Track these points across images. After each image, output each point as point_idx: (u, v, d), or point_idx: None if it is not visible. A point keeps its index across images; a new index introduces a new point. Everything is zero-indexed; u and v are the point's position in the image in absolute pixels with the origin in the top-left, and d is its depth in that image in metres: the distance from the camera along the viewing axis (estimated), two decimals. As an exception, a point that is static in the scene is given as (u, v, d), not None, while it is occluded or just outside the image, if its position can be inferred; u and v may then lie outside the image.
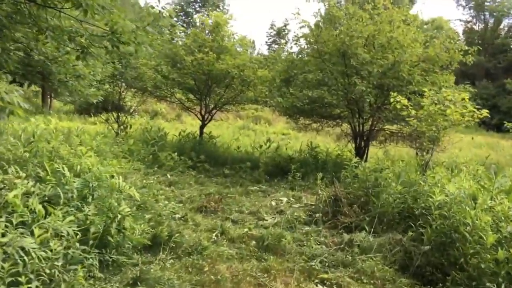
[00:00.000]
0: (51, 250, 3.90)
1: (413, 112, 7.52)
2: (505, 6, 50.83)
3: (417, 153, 15.39)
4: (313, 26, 12.94)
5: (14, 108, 4.33)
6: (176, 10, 59.70)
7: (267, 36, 63.49)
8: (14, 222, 3.86)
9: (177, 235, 5.63)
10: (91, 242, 4.47)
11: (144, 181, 9.60)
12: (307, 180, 11.05)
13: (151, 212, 7.13)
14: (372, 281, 5.06)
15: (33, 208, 4.21)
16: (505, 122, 10.62)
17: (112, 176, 8.01)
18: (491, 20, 53.79)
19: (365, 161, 12.70)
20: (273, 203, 8.58)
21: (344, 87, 11.79)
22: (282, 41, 14.60)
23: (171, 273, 4.86)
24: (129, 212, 5.05)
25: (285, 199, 8.85)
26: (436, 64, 11.90)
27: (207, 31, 14.64)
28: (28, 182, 4.71)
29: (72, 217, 4.27)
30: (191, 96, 15.42)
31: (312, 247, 5.90)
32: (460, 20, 56.16)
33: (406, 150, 18.00)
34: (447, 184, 6.17)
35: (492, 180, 5.92)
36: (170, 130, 18.30)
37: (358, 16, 12.14)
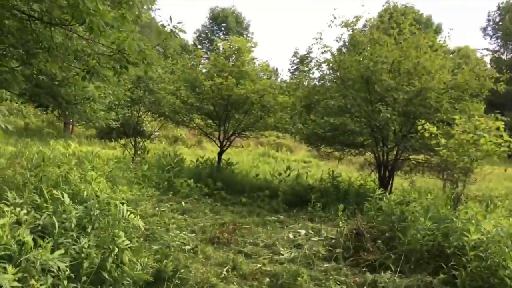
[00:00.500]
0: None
1: (443, 141, 6.97)
2: (534, 35, 49.89)
3: (445, 185, 14.68)
4: (335, 52, 12.58)
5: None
6: (200, 38, 60.63)
7: (290, 64, 63.76)
8: (-3, 255, 3.48)
9: (183, 270, 5.15)
10: (84, 278, 4.04)
11: (157, 208, 9.25)
12: (328, 211, 10.48)
13: (159, 243, 6.70)
14: (398, 331, 4.48)
15: (21, 239, 3.82)
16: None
17: (122, 204, 7.67)
18: (520, 50, 52.83)
19: (390, 192, 12.06)
20: (291, 235, 8.05)
21: (368, 114, 11.29)
22: (306, 68, 14.40)
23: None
24: (129, 245, 4.60)
25: (303, 232, 8.30)
26: (465, 92, 11.33)
27: (227, 56, 14.42)
28: (22, 210, 4.33)
29: (62, 250, 3.84)
30: (209, 121, 15.12)
31: (332, 288, 5.35)
32: (487, 50, 55.12)
33: (433, 181, 17.25)
34: (483, 221, 5.58)
35: (534, 218, 5.31)
36: (189, 156, 18.03)
37: (382, 41, 11.73)
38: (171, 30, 5.40)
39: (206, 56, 15.92)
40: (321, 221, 9.80)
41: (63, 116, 20.78)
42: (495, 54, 54.80)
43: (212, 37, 59.28)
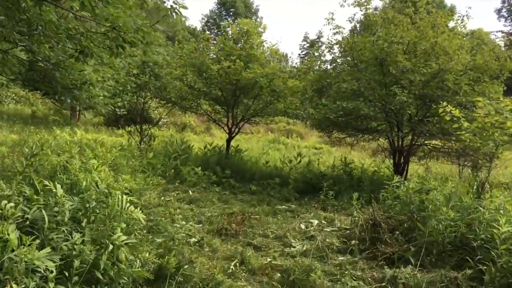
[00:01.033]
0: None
1: (466, 124, 6.47)
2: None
3: (461, 171, 14.15)
4: (348, 33, 12.03)
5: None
6: (209, 23, 59.98)
7: (300, 49, 62.98)
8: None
9: (186, 266, 4.76)
10: (75, 278, 3.67)
11: (162, 198, 8.89)
12: (341, 200, 10.05)
13: (163, 235, 6.35)
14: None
15: (4, 236, 3.46)
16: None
17: (125, 193, 7.30)
18: (536, 31, 51.43)
19: (405, 178, 11.61)
20: (302, 226, 7.63)
21: (382, 98, 10.77)
22: (316, 54, 13.93)
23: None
24: (127, 241, 4.21)
25: (315, 222, 7.88)
26: (485, 73, 10.75)
27: (235, 40, 13.93)
28: (9, 203, 3.96)
29: (48, 249, 3.47)
30: (217, 107, 14.69)
31: (347, 285, 4.93)
32: (502, 32, 53.70)
33: (448, 167, 16.74)
34: (512, 210, 5.11)
35: None
36: (198, 143, 17.67)
37: (397, 21, 11.16)
38: (171, 6, 4.93)
39: (214, 41, 15.39)
40: (334, 210, 9.39)
41: (60, 102, 20.41)
42: (510, 37, 53.41)
43: (220, 23, 58.59)
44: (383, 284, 4.91)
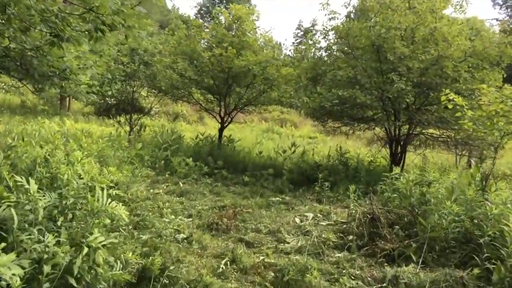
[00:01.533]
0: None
1: (470, 113, 6.13)
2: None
3: (457, 161, 13.87)
4: (343, 18, 11.63)
5: None
6: (202, 12, 59.16)
7: (294, 37, 62.38)
8: None
9: (172, 267, 4.40)
10: (46, 285, 3.31)
11: (151, 190, 8.51)
12: (336, 191, 9.74)
13: (150, 231, 6.00)
14: None
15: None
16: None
17: (110, 187, 6.93)
18: (531, 19, 51.11)
19: (402, 169, 11.32)
20: (297, 219, 7.29)
21: (379, 86, 10.40)
22: (310, 41, 13.57)
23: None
24: (105, 242, 3.84)
25: (311, 215, 7.55)
26: (484, 60, 10.41)
27: (228, 27, 13.47)
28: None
29: (13, 254, 3.10)
30: (209, 96, 14.27)
31: (346, 285, 4.61)
32: (497, 20, 53.26)
33: (445, 156, 16.49)
34: (521, 205, 4.80)
35: None
36: (190, 133, 17.28)
37: (395, 6, 10.77)
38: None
39: (206, 29, 14.91)
40: (329, 202, 9.08)
41: (39, 91, 19.89)
42: (504, 25, 53.01)
43: (214, 10, 57.85)
44: (384, 284, 4.58)
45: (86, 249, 3.50)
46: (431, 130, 12.71)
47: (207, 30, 14.12)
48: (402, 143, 11.56)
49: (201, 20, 52.22)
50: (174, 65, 12.73)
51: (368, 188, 9.74)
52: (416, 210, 5.97)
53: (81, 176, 6.33)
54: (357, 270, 5.06)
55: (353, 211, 7.03)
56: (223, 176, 10.96)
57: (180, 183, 9.61)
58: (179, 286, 4.26)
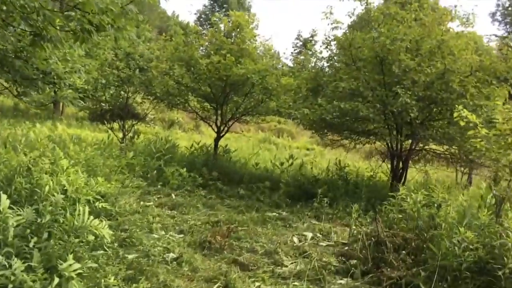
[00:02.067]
0: None
1: (484, 131, 5.73)
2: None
3: (457, 178, 13.51)
4: (346, 28, 11.28)
5: None
6: (201, 19, 59.00)
7: (293, 47, 62.24)
8: None
9: (158, 296, 3.95)
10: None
11: (142, 203, 8.05)
12: (336, 208, 9.31)
13: (137, 249, 5.55)
14: None
15: None
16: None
17: (96, 200, 6.49)
18: (530, 36, 51.11)
19: (403, 184, 10.92)
20: (295, 239, 6.85)
21: (382, 99, 10.03)
22: (310, 51, 13.37)
23: None
24: (82, 269, 3.39)
25: (310, 235, 7.10)
26: (491, 75, 10.06)
27: (226, 34, 13.09)
28: None
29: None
30: (206, 104, 13.85)
31: (351, 320, 4.17)
32: (496, 36, 53.25)
33: (445, 173, 16.15)
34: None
35: None
36: (185, 141, 16.83)
37: (400, 17, 10.42)
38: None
39: (205, 36, 14.53)
40: (328, 219, 8.65)
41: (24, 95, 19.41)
42: (503, 41, 52.96)
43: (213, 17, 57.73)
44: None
45: (57, 280, 3.05)
46: (433, 146, 12.36)
47: (206, 37, 13.75)
48: (404, 158, 11.16)
49: (200, 27, 52.09)
50: (170, 72, 12.32)
51: (368, 205, 9.34)
52: (425, 234, 5.54)
53: (65, 188, 5.89)
54: (362, 301, 4.62)
55: (355, 232, 6.61)
56: (218, 188, 10.51)
57: (173, 195, 9.17)
58: (165, 318, 3.81)
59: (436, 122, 10.44)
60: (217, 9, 59.15)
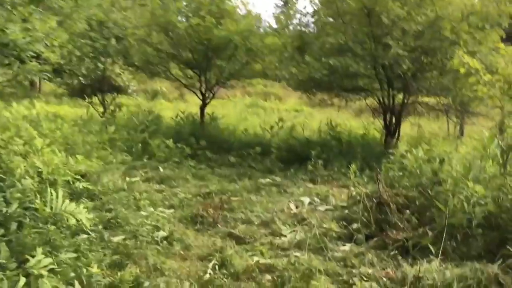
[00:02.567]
0: None
1: (487, 77, 5.32)
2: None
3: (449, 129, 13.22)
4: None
5: None
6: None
7: (274, 7, 60.73)
8: None
9: (146, 284, 3.58)
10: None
11: (127, 179, 7.61)
12: (331, 169, 9.02)
13: (123, 230, 5.14)
14: None
15: None
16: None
17: (77, 179, 6.06)
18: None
19: (397, 140, 10.63)
20: (292, 206, 6.49)
21: (371, 52, 9.57)
22: (291, 10, 12.78)
23: None
24: (51, 265, 2.98)
25: (307, 200, 6.75)
26: (484, 20, 9.60)
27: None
28: None
29: None
30: (189, 71, 13.23)
31: (359, 291, 3.85)
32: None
33: (437, 124, 15.89)
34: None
35: None
36: (170, 111, 16.24)
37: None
38: None
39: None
40: (324, 181, 8.35)
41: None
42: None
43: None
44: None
45: (23, 280, 2.64)
46: (426, 99, 12.03)
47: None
48: (397, 113, 10.79)
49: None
50: (148, 39, 11.68)
51: (364, 163, 9.01)
52: (429, 191, 5.21)
53: (40, 170, 5.43)
54: (369, 268, 4.29)
55: (354, 193, 6.29)
56: (207, 157, 10.11)
57: (160, 168, 8.74)
58: (157, 308, 3.45)
59: (429, 73, 10.04)
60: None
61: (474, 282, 3.77)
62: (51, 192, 3.75)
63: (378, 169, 6.11)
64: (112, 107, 12.50)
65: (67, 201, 3.84)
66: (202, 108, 12.76)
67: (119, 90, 15.46)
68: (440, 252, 4.38)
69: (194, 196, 7.01)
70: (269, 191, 7.55)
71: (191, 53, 11.84)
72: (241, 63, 12.28)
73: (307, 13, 11.26)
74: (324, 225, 5.42)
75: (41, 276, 2.78)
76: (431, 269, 3.94)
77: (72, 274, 3.35)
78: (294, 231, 5.36)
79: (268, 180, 8.37)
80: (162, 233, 5.11)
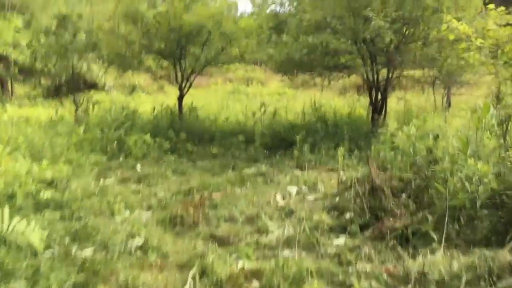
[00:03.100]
0: None
1: (479, 41, 4.87)
2: None
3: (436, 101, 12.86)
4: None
5: None
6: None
7: (249, -9, 59.82)
8: None
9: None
10: None
11: (102, 181, 7.08)
12: (318, 153, 8.56)
13: (93, 241, 4.63)
14: None
15: None
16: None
17: (42, 188, 5.52)
18: None
19: (384, 117, 10.23)
20: (279, 197, 6.03)
21: (351, 27, 9.08)
22: None
23: None
24: None
25: (294, 189, 6.29)
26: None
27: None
28: None
29: None
30: (163, 62, 12.62)
31: (358, 292, 3.41)
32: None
33: (424, 98, 15.49)
34: None
35: None
36: (150, 104, 15.60)
37: None
38: None
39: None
40: (311, 166, 7.90)
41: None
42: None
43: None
44: (409, 286, 3.39)
45: None
46: (410, 72, 11.62)
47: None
48: (382, 89, 10.35)
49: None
50: (116, 30, 11.05)
51: (352, 144, 8.60)
52: (425, 172, 4.78)
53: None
54: (367, 264, 3.86)
55: (344, 178, 5.85)
56: (188, 150, 9.60)
57: (138, 166, 8.20)
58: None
59: (413, 44, 9.59)
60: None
61: (485, 271, 3.36)
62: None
63: (368, 151, 5.67)
64: (85, 106, 11.87)
65: (15, 219, 3.33)
66: (180, 99, 12.20)
67: (94, 87, 14.84)
68: (443, 238, 3.96)
69: (174, 194, 6.51)
70: (254, 182, 7.09)
71: (163, 42, 11.23)
72: (216, 49, 11.71)
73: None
74: (314, 217, 4.97)
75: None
76: (436, 261, 3.51)
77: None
78: (281, 226, 4.90)
79: (253, 169, 7.91)
80: (137, 241, 4.62)
